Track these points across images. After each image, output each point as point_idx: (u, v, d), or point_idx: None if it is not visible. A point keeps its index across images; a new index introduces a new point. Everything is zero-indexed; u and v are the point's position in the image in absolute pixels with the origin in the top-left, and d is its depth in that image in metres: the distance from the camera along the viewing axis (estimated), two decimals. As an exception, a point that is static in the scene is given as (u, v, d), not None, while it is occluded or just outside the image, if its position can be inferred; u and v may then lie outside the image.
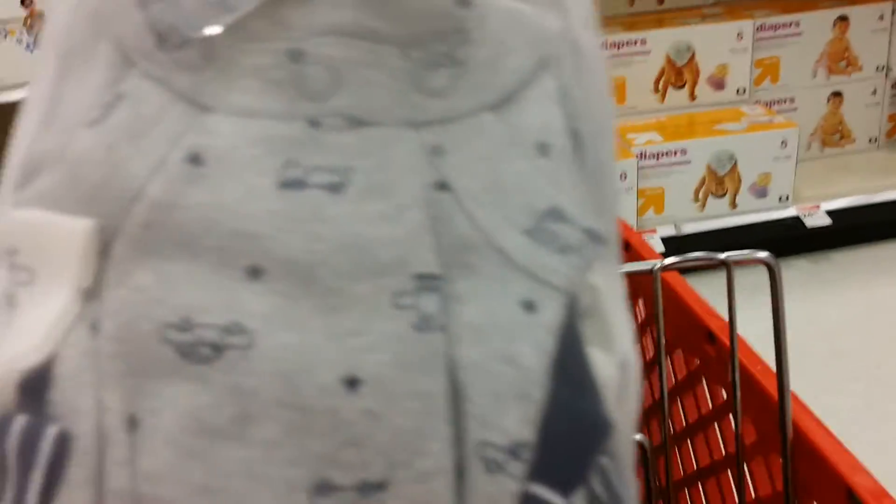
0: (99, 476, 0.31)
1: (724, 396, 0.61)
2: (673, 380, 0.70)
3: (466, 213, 0.32)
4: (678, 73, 1.74)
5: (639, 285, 0.72)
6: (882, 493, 0.46)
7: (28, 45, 1.39)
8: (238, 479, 0.30)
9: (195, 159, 0.31)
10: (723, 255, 0.53)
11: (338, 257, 0.31)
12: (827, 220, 1.66)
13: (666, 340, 0.61)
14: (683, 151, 1.63)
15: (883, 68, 1.85)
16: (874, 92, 1.87)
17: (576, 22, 0.36)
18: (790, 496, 0.52)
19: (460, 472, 0.31)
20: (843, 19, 1.79)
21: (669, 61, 1.73)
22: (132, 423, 0.31)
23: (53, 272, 0.32)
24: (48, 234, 0.33)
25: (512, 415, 0.31)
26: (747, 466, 0.58)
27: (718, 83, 1.76)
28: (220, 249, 0.31)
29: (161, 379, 0.31)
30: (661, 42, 1.71)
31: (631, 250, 0.76)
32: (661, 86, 1.74)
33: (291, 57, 0.32)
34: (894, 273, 1.63)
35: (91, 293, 0.32)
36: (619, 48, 1.71)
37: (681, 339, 0.67)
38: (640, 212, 1.67)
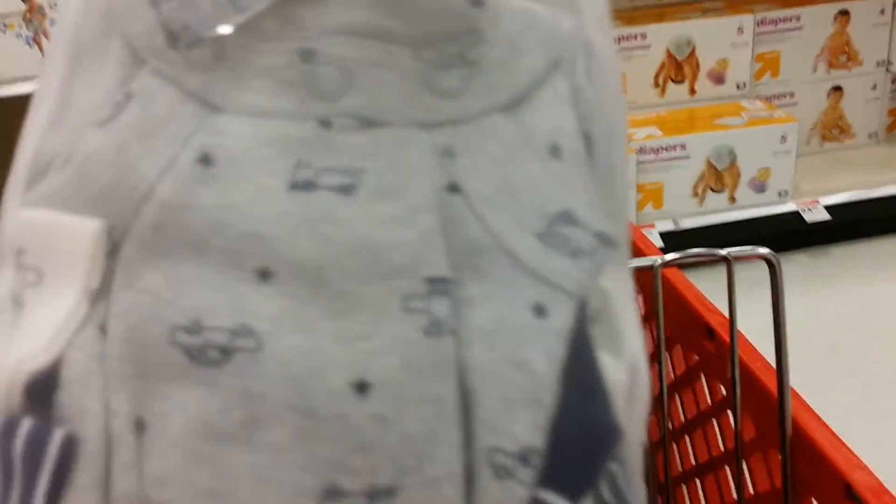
0: (106, 480, 0.31)
1: (723, 393, 0.61)
2: (672, 376, 0.70)
3: (477, 215, 0.32)
4: (678, 68, 1.74)
5: (639, 281, 0.72)
6: (881, 490, 0.46)
7: (27, 40, 1.39)
8: (246, 484, 0.30)
9: (205, 160, 0.31)
10: (724, 252, 0.53)
11: (348, 260, 0.30)
12: (826, 215, 1.66)
13: (665, 336, 0.61)
14: (683, 146, 1.62)
15: (883, 63, 1.85)
16: (874, 87, 1.86)
17: (589, 22, 0.36)
18: (789, 493, 0.52)
19: (469, 478, 0.31)
20: (843, 14, 1.79)
21: (670, 56, 1.72)
22: (140, 427, 0.31)
23: (61, 273, 0.32)
24: (56, 235, 0.32)
25: (522, 421, 0.31)
26: (746, 463, 0.58)
27: (718, 78, 1.76)
28: (230, 251, 0.31)
29: (169, 382, 0.30)
30: (662, 36, 1.71)
31: (631, 246, 0.76)
32: (660, 80, 1.74)
33: (303, 57, 0.31)
34: (894, 268, 1.63)
35: (99, 294, 0.32)
36: (619, 42, 1.70)
37: (680, 334, 0.67)
38: (639, 207, 1.67)
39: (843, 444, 0.50)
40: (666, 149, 1.62)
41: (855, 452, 0.49)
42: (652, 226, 1.66)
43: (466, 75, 0.32)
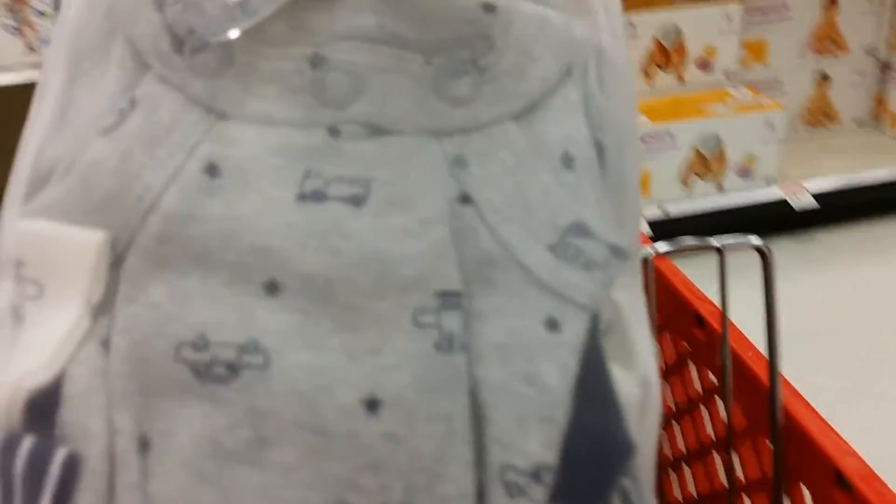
0: (109, 500, 0.30)
1: (713, 380, 0.62)
2: (662, 364, 0.71)
3: (489, 227, 0.31)
4: (666, 56, 1.74)
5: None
6: (871, 476, 0.47)
7: (11, 29, 1.37)
8: None
9: (212, 170, 0.30)
10: (716, 242, 0.53)
11: (357, 273, 0.30)
12: (812, 201, 1.66)
13: (655, 324, 0.61)
14: (670, 133, 1.63)
15: (870, 50, 1.85)
16: (861, 73, 1.87)
17: (602, 29, 0.35)
18: (779, 480, 0.52)
19: (481, 497, 0.30)
20: (832, 1, 1.79)
21: (657, 43, 1.72)
22: (144, 445, 0.30)
23: (63, 286, 0.31)
24: (57, 246, 0.32)
25: (534, 437, 0.31)
26: (735, 450, 0.58)
27: (706, 65, 1.76)
28: (237, 264, 0.30)
29: (174, 399, 0.30)
30: (649, 24, 1.70)
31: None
32: (648, 68, 1.74)
33: (312, 63, 0.31)
34: (879, 253, 1.64)
35: (102, 308, 0.31)
36: (606, 29, 1.70)
37: (669, 322, 0.68)
38: (628, 193, 1.67)
39: (833, 430, 0.50)
40: (653, 136, 1.62)
41: (844, 439, 0.50)
42: (639, 213, 1.66)
43: (478, 82, 0.32)
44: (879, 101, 1.91)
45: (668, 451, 0.71)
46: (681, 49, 1.73)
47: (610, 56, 0.36)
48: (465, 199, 0.31)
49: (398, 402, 0.30)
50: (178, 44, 0.31)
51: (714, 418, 0.62)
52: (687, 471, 0.67)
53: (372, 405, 0.29)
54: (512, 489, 0.30)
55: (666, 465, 0.69)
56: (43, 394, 0.31)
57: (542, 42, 0.33)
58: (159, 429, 0.30)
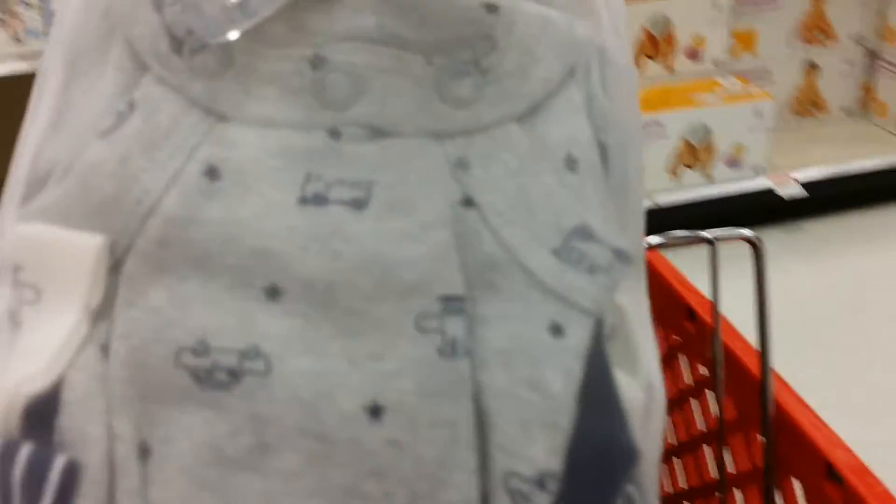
0: None
1: (703, 373, 0.62)
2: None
3: (492, 230, 0.31)
4: (655, 45, 1.73)
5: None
6: (862, 469, 0.47)
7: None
8: None
9: (212, 172, 0.30)
10: (707, 234, 0.52)
11: (359, 277, 0.29)
12: (800, 191, 1.67)
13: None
14: (659, 123, 1.62)
15: (858, 39, 1.85)
16: (849, 62, 1.87)
17: (606, 30, 0.35)
18: (771, 473, 0.52)
19: None
20: (819, -10, 1.79)
21: (647, 33, 1.72)
22: (144, 452, 0.30)
23: (61, 290, 0.31)
24: (55, 250, 0.31)
25: (539, 444, 0.30)
26: (726, 442, 0.58)
27: (695, 54, 1.75)
28: (238, 268, 0.29)
29: (175, 405, 0.29)
30: (639, 14, 1.70)
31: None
32: (637, 57, 1.74)
33: (312, 64, 0.30)
34: (867, 242, 1.64)
35: (101, 313, 0.30)
36: (595, 18, 1.69)
37: (660, 314, 0.67)
38: (616, 183, 1.67)
39: (824, 423, 0.50)
40: (643, 126, 1.62)
41: (835, 432, 0.50)
42: (628, 202, 1.66)
43: (480, 83, 0.31)
44: (867, 91, 1.91)
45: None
46: (670, 38, 1.73)
47: (613, 56, 0.35)
48: (468, 201, 0.31)
49: (401, 409, 0.29)
50: (177, 45, 0.31)
51: (705, 411, 0.62)
52: (678, 463, 0.67)
53: (374, 411, 0.29)
54: (516, 496, 0.30)
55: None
56: (41, 400, 0.30)
57: (545, 42, 0.32)
58: (159, 435, 0.30)
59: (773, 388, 0.52)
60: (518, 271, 0.31)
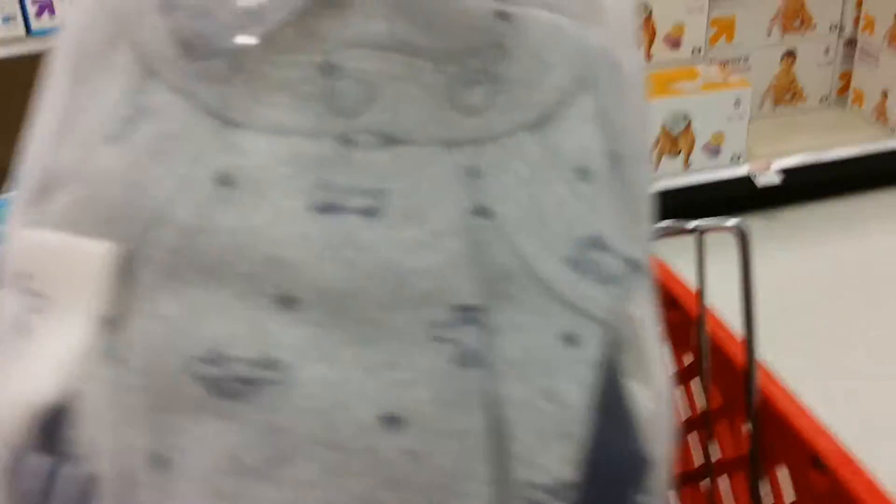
0: None
1: (687, 361, 0.62)
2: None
3: (505, 239, 0.31)
4: (634, 32, 1.73)
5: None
6: (847, 457, 0.47)
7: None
8: None
9: (224, 180, 0.29)
10: (693, 224, 0.52)
11: (373, 286, 0.29)
12: (779, 179, 1.68)
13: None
14: (639, 111, 1.63)
15: (836, 27, 1.86)
16: (827, 51, 1.88)
17: (616, 39, 0.35)
18: (756, 461, 0.52)
19: None
20: (798, -22, 1.80)
21: (626, 20, 1.72)
22: (159, 463, 0.29)
23: (71, 299, 0.30)
24: (65, 259, 0.31)
25: (554, 454, 0.30)
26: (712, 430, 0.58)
27: (675, 43, 1.76)
28: (250, 277, 0.29)
29: (189, 415, 0.29)
30: (618, 0, 1.70)
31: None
32: (617, 44, 1.74)
33: (323, 70, 0.30)
34: (845, 230, 1.66)
35: (113, 322, 0.30)
36: (575, 6, 1.69)
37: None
38: (597, 171, 1.67)
39: (809, 412, 0.50)
40: (623, 114, 1.62)
41: (820, 420, 0.50)
42: (609, 191, 1.66)
43: (491, 91, 0.31)
44: (845, 79, 1.93)
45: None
46: (649, 26, 1.73)
47: (623, 66, 0.35)
48: (480, 210, 0.31)
49: (417, 419, 0.29)
50: (186, 50, 0.30)
51: (690, 400, 0.62)
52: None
53: (390, 421, 0.29)
54: None
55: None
56: (52, 410, 0.30)
57: (557, 51, 0.32)
58: (174, 445, 0.29)
59: (759, 376, 0.52)
60: (531, 281, 0.31)
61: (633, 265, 0.33)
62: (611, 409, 0.32)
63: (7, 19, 1.33)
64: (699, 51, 1.77)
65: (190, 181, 0.30)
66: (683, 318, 0.61)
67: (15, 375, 0.31)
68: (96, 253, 0.30)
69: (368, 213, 0.30)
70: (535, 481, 0.30)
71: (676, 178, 1.68)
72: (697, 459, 0.60)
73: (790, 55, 1.87)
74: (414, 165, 0.30)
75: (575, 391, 0.31)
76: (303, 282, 0.29)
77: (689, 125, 1.65)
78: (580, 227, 0.32)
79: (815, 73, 1.90)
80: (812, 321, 1.39)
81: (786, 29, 1.84)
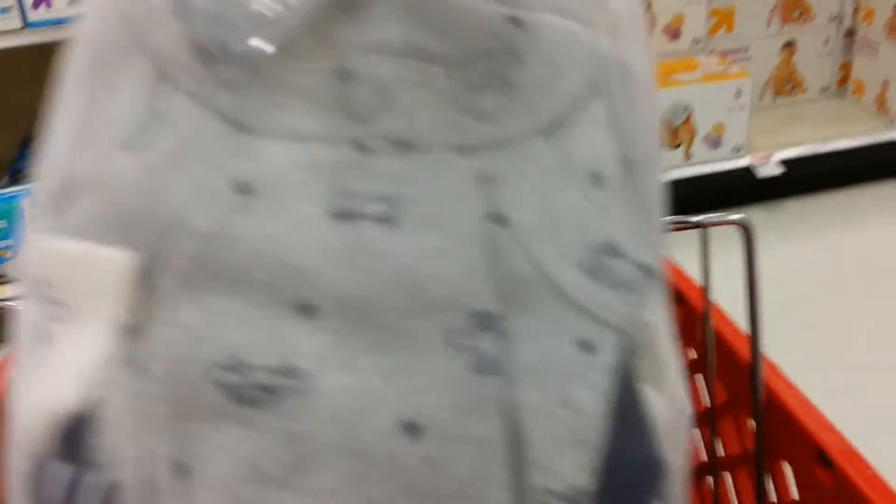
0: None
1: (691, 357, 0.61)
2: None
3: (520, 246, 0.31)
4: (634, 23, 1.72)
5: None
6: (852, 453, 0.47)
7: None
8: None
9: (242, 187, 0.29)
10: (697, 218, 0.52)
11: (390, 293, 0.29)
12: (779, 170, 1.67)
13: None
14: (639, 102, 1.62)
15: (836, 18, 1.86)
16: (826, 42, 1.88)
17: (628, 45, 0.35)
18: (761, 456, 0.52)
19: None
20: (798, -31, 1.79)
21: (626, 10, 1.71)
22: (180, 470, 0.29)
23: (91, 308, 0.30)
24: (84, 267, 0.30)
25: (571, 460, 0.31)
26: (717, 426, 0.58)
27: (674, 33, 1.75)
28: (270, 284, 0.29)
29: (210, 423, 0.29)
30: (618, -9, 1.69)
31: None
32: (617, 35, 1.73)
33: (338, 76, 0.30)
34: (846, 221, 1.65)
35: (133, 331, 0.30)
36: (575, -3, 1.68)
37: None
38: (597, 163, 1.66)
39: (814, 407, 0.50)
40: (623, 105, 1.61)
41: (825, 416, 0.50)
42: (609, 182, 1.66)
43: (504, 97, 0.31)
44: (844, 70, 1.92)
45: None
46: (649, 16, 1.73)
47: (635, 72, 0.35)
48: (495, 217, 0.31)
49: (435, 425, 0.29)
50: (201, 55, 0.30)
51: (694, 395, 0.62)
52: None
53: (410, 428, 0.29)
54: None
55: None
56: (73, 418, 0.30)
57: (570, 57, 0.32)
58: (195, 453, 0.29)
59: (764, 372, 0.52)
60: (546, 287, 0.31)
61: (647, 271, 0.33)
62: (626, 415, 0.32)
63: (4, 11, 1.32)
64: (699, 41, 1.77)
65: (207, 188, 0.29)
66: (688, 314, 0.60)
67: (37, 384, 0.31)
68: (115, 261, 0.30)
69: (385, 219, 0.29)
70: (551, 488, 0.30)
71: (677, 170, 1.68)
72: (702, 455, 0.60)
73: (790, 45, 1.86)
74: (429, 171, 0.30)
75: (590, 398, 0.31)
76: (321, 289, 0.29)
77: (689, 116, 1.65)
78: (594, 233, 0.32)
79: (815, 64, 1.90)
80: (812, 313, 1.38)
81: (785, 19, 1.83)
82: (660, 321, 0.35)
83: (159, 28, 0.31)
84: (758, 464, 0.52)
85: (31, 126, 1.62)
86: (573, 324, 0.31)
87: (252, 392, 0.29)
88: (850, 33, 1.88)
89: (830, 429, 0.49)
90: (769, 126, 1.81)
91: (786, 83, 1.90)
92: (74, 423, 0.30)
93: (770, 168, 1.67)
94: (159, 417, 0.29)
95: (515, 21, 0.31)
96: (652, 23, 1.74)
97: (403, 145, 0.30)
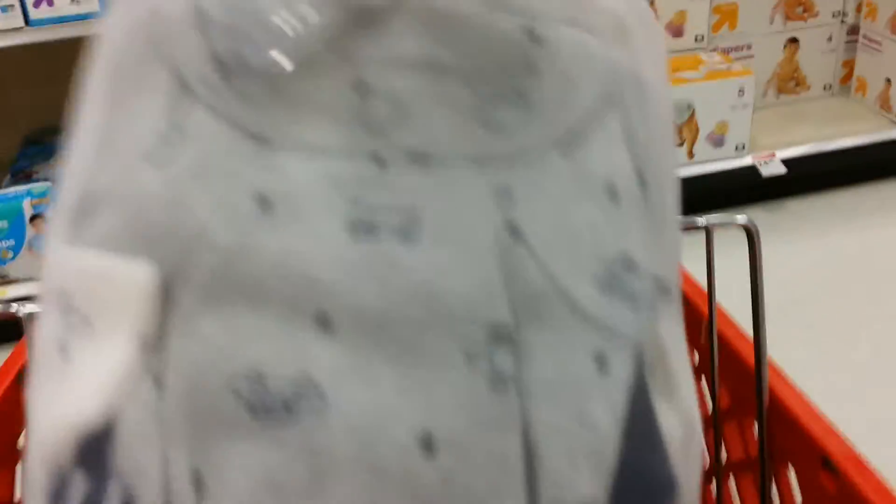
0: None
1: (695, 360, 0.61)
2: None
3: (536, 259, 0.31)
4: (637, 20, 1.72)
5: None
6: (857, 460, 0.46)
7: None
8: None
9: (263, 202, 0.29)
10: (702, 220, 0.52)
11: (408, 306, 0.29)
12: (782, 169, 1.67)
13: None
14: (642, 100, 1.62)
15: (839, 14, 1.85)
16: (830, 38, 1.87)
17: (643, 59, 0.35)
18: (765, 461, 0.52)
19: None
20: (801, -34, 1.79)
21: (628, 8, 1.71)
22: (199, 483, 0.29)
23: (112, 321, 0.30)
24: (106, 281, 0.30)
25: (584, 474, 0.30)
26: (721, 430, 0.58)
27: (677, 30, 1.75)
28: (290, 298, 0.29)
29: (229, 436, 0.29)
30: (620, -12, 1.69)
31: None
32: (619, 33, 1.73)
33: (356, 89, 0.30)
34: (849, 220, 1.65)
35: (154, 344, 0.30)
36: (577, -6, 1.68)
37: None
38: (599, 161, 1.66)
39: (819, 412, 0.50)
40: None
41: (830, 421, 0.49)
42: (611, 181, 1.65)
43: (521, 110, 0.31)
44: (848, 67, 1.91)
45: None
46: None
47: (649, 86, 0.35)
48: (513, 231, 0.31)
49: (452, 441, 0.29)
50: (222, 70, 0.30)
51: (699, 399, 0.61)
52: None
53: (427, 442, 0.29)
54: None
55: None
56: (94, 432, 0.30)
57: (585, 71, 0.32)
58: (215, 466, 0.29)
59: (768, 376, 0.52)
60: (562, 301, 0.31)
61: (661, 285, 0.33)
62: (639, 430, 0.32)
63: (5, 9, 1.32)
64: (701, 38, 1.76)
65: (228, 202, 0.30)
66: (691, 316, 0.60)
67: (58, 397, 0.31)
68: (137, 275, 0.30)
69: (403, 233, 0.30)
70: (565, 501, 0.30)
71: (680, 168, 1.67)
72: (706, 460, 0.60)
73: (793, 42, 1.85)
74: (446, 185, 0.30)
75: (604, 412, 0.31)
76: (340, 303, 0.29)
77: (692, 114, 1.64)
78: (609, 247, 0.32)
79: (817, 61, 1.89)
80: (815, 313, 1.38)
81: (788, 16, 1.83)
82: (672, 335, 0.35)
83: (180, 40, 0.31)
84: (762, 469, 0.52)
85: (32, 125, 1.62)
86: (588, 337, 0.31)
87: (271, 405, 0.29)
88: (854, 30, 1.87)
89: (835, 434, 0.48)
90: (772, 124, 1.80)
91: (789, 81, 1.89)
92: (95, 435, 0.30)
93: (773, 167, 1.67)
94: (179, 431, 0.29)
95: (532, 35, 0.31)
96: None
97: (421, 159, 0.30)
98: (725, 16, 1.79)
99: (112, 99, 0.33)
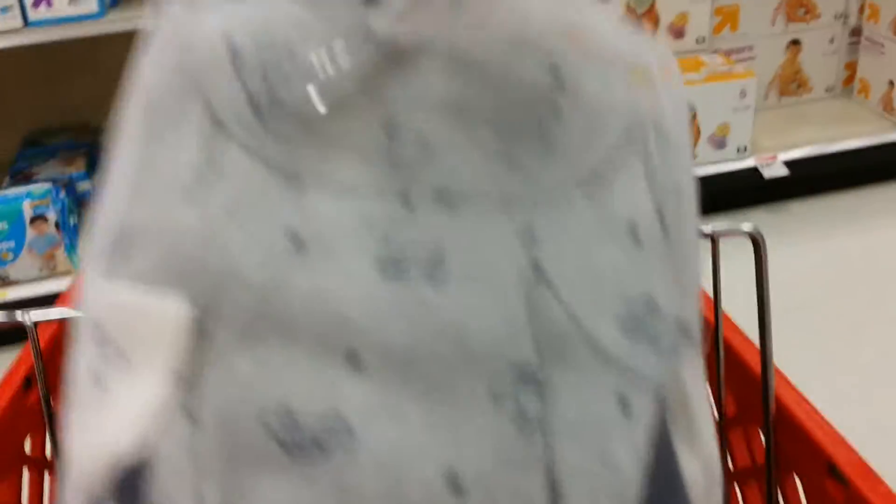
0: None
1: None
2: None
3: (560, 300, 0.31)
4: (638, 22, 1.72)
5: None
6: (864, 468, 0.46)
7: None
8: None
9: (296, 240, 0.30)
10: (708, 229, 0.51)
11: (436, 345, 0.29)
12: (784, 171, 1.66)
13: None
14: (644, 102, 1.61)
15: (841, 16, 1.85)
16: (832, 40, 1.87)
17: (664, 104, 0.35)
18: (771, 469, 0.51)
19: None
20: (804, -32, 1.78)
21: (630, 10, 1.70)
22: None
23: (147, 355, 0.31)
24: (141, 315, 0.31)
25: None
26: (726, 438, 0.57)
27: (678, 32, 1.74)
28: (321, 335, 0.29)
29: (261, 472, 0.29)
30: (622, -10, 1.68)
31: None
32: (621, 34, 1.72)
33: (386, 131, 0.30)
34: (851, 223, 1.65)
35: (188, 380, 0.30)
36: (579, -4, 1.67)
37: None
38: (601, 163, 1.66)
39: (826, 421, 0.50)
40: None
41: (837, 429, 0.49)
42: (613, 183, 1.65)
43: (544, 151, 0.31)
44: (850, 69, 1.91)
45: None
46: (653, 15, 1.72)
47: (670, 127, 0.35)
48: (535, 270, 0.31)
49: (479, 478, 0.29)
50: (257, 108, 0.31)
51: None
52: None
53: (453, 480, 0.29)
54: None
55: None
56: (129, 466, 0.30)
57: (608, 114, 0.33)
58: (247, 502, 0.29)
59: (775, 383, 0.51)
60: (585, 342, 0.31)
61: (683, 327, 0.33)
62: (661, 474, 0.32)
63: (4, 10, 1.32)
64: (703, 40, 1.76)
65: (262, 241, 0.30)
66: (695, 322, 0.60)
67: (94, 425, 0.32)
68: (172, 310, 0.30)
69: (430, 272, 0.30)
70: None
71: (681, 169, 1.67)
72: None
73: (795, 44, 1.85)
74: (472, 225, 0.31)
75: (627, 454, 0.31)
76: (370, 341, 0.29)
77: (694, 117, 1.64)
78: (632, 289, 0.32)
79: (820, 63, 1.89)
80: (818, 316, 1.38)
81: (790, 18, 1.82)
82: (693, 377, 0.35)
83: (215, 79, 0.31)
84: (768, 477, 0.51)
85: (30, 126, 1.62)
86: (610, 379, 0.31)
87: (302, 442, 0.29)
88: (856, 32, 1.87)
89: (842, 443, 0.48)
90: (774, 126, 1.80)
91: (791, 82, 1.89)
92: (129, 470, 0.30)
93: (775, 169, 1.66)
94: (212, 466, 0.30)
95: (556, 77, 0.31)
96: (656, 21, 1.73)
97: (447, 198, 0.30)
98: (727, 17, 1.79)
99: (148, 134, 0.33)
